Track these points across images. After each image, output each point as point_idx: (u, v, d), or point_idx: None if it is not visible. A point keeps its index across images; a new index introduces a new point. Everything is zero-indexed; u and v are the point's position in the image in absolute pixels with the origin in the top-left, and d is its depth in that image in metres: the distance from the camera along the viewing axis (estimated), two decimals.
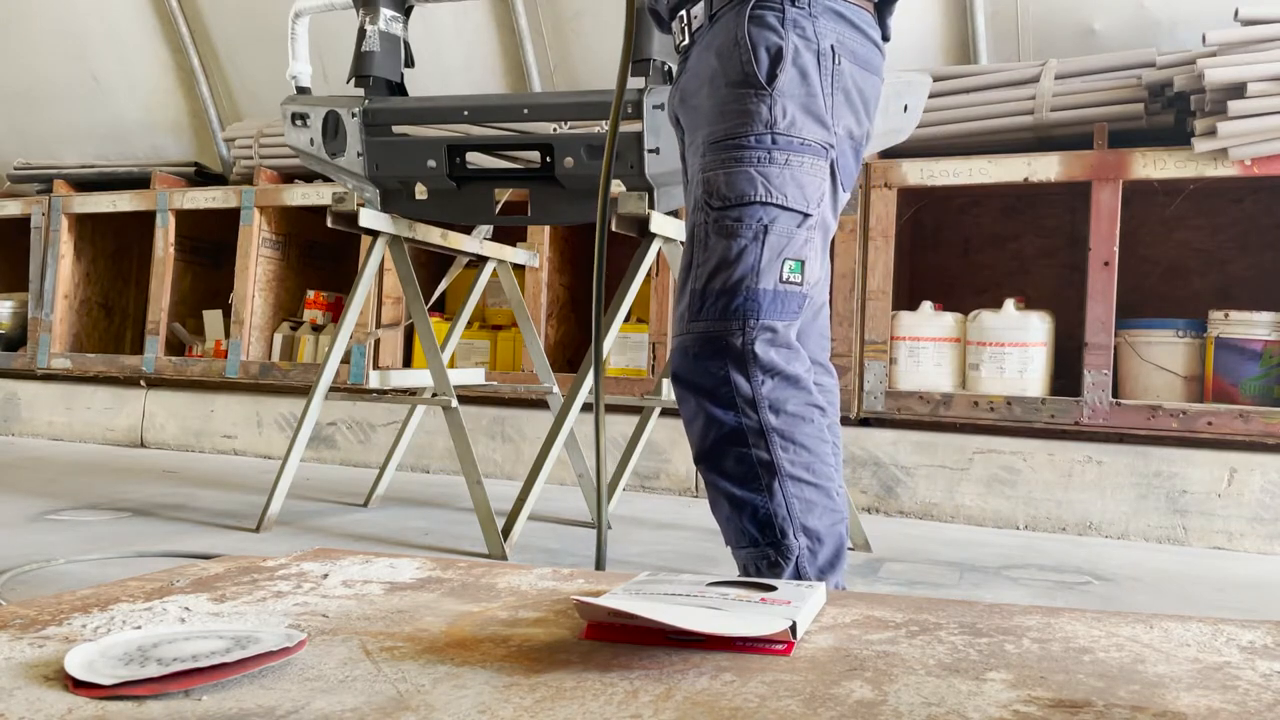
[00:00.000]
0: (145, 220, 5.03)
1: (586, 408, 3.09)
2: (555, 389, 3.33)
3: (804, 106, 1.44)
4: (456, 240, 3.15)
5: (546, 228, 4.14)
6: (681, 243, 2.65)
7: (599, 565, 1.91)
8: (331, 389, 2.97)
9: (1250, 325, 3.24)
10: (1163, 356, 3.40)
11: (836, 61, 1.45)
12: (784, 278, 1.43)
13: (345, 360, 4.34)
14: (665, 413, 3.70)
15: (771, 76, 1.44)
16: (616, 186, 2.67)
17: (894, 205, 3.51)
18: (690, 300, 1.49)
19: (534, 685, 0.83)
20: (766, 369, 1.43)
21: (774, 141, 1.43)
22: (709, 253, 1.46)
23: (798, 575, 1.45)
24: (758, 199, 1.42)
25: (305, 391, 4.24)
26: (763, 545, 1.46)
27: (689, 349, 1.48)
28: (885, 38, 1.61)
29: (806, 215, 1.44)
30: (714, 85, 1.50)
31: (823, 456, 1.48)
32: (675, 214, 2.68)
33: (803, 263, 1.44)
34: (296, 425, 2.91)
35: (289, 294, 4.91)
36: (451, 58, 4.60)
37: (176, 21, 5.07)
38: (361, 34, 2.81)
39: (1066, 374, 3.57)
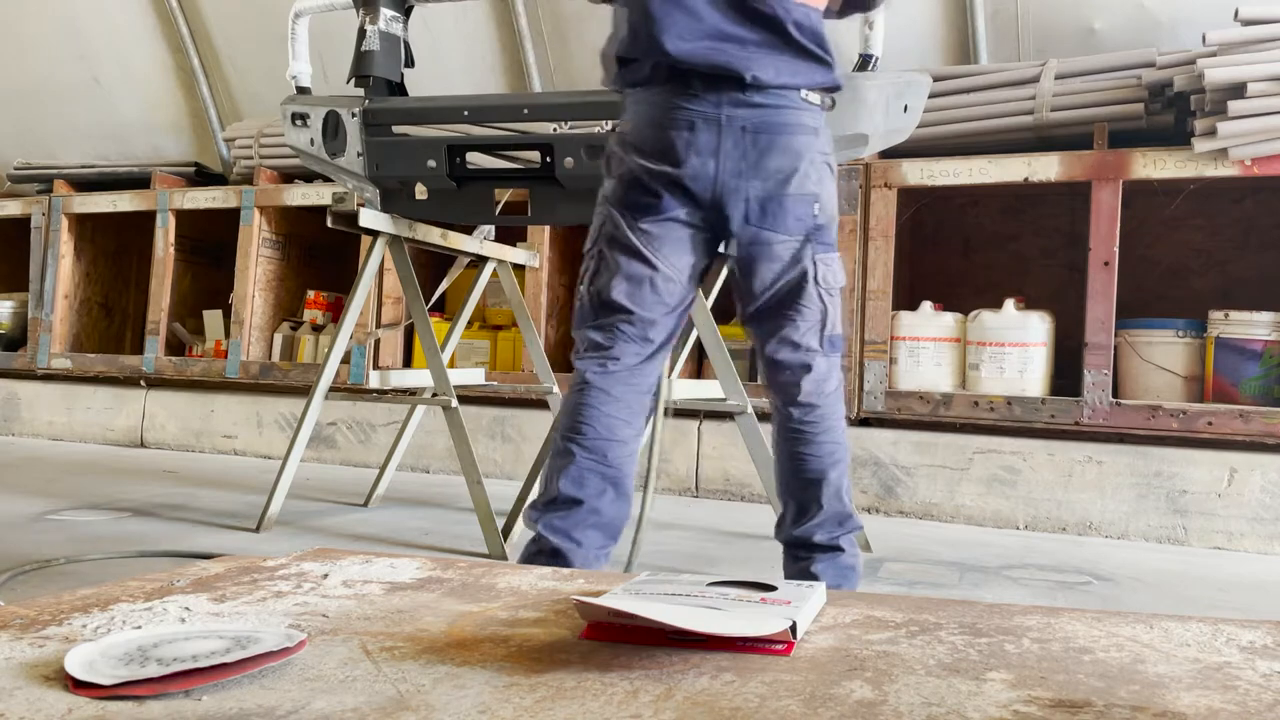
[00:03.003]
0: (145, 220, 5.03)
1: None
2: (555, 389, 3.33)
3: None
4: (457, 240, 3.15)
5: (546, 228, 4.13)
6: None
7: (629, 567, 2.05)
8: (331, 389, 2.97)
9: (1250, 325, 3.24)
10: (1163, 356, 3.40)
11: (616, 133, 1.94)
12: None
13: (345, 360, 4.34)
14: (664, 413, 3.69)
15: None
16: None
17: (894, 205, 3.51)
18: None
19: (534, 685, 0.83)
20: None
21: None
22: None
23: None
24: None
25: (305, 391, 4.24)
26: None
27: None
28: (673, 65, 1.84)
29: (588, 250, 1.92)
30: None
31: (569, 412, 1.86)
32: None
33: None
34: (296, 425, 2.91)
35: (289, 294, 4.91)
36: (451, 58, 4.60)
37: (177, 21, 5.07)
38: (361, 34, 2.81)
39: (1066, 374, 3.56)
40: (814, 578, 1.82)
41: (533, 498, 1.87)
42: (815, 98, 1.86)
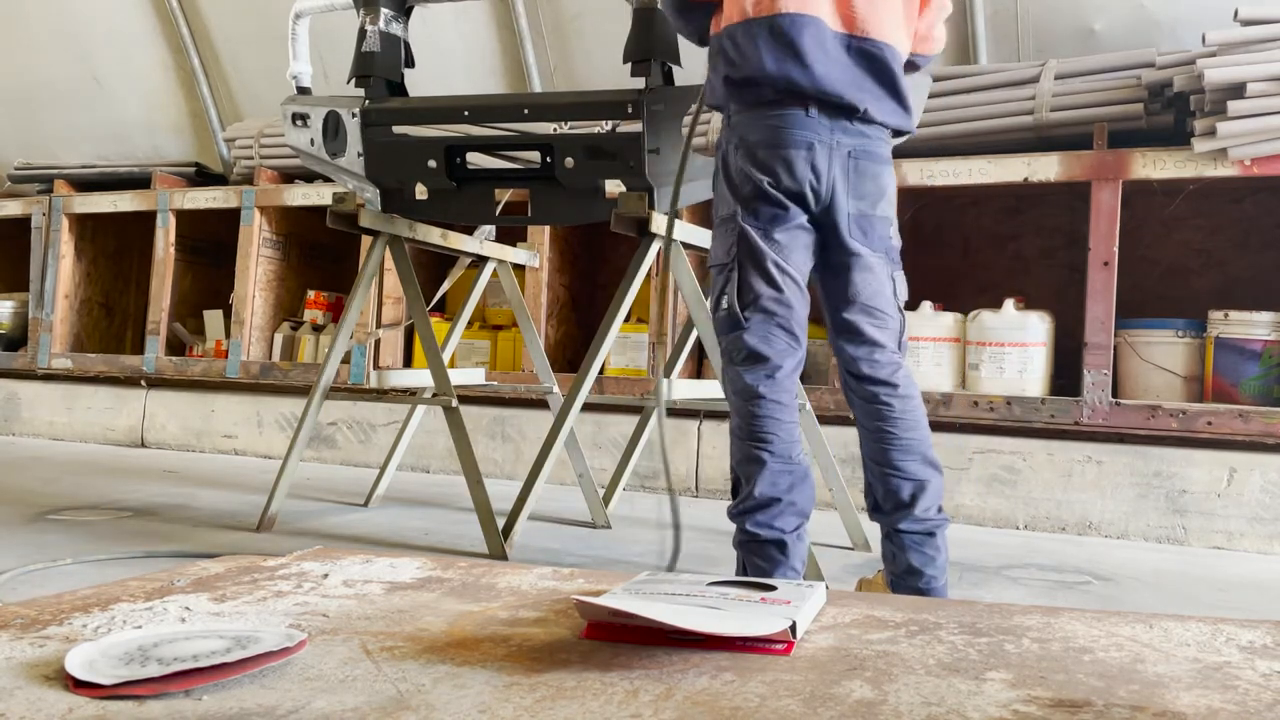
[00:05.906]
0: (146, 220, 5.03)
1: (587, 408, 3.09)
2: (555, 389, 3.33)
3: (719, 194, 2.13)
4: (457, 240, 3.15)
5: (547, 228, 4.13)
6: (683, 243, 2.66)
7: (670, 567, 2.15)
8: (332, 389, 2.97)
9: (1250, 325, 3.24)
10: (1162, 356, 3.40)
11: (736, 154, 2.07)
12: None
13: (345, 360, 4.34)
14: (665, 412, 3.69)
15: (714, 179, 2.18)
16: (616, 187, 2.67)
17: None
18: None
19: (534, 685, 0.83)
20: (724, 365, 2.12)
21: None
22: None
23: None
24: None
25: (305, 391, 4.24)
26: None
27: None
28: (807, 93, 2.03)
29: (724, 264, 2.08)
30: None
31: (750, 423, 2.04)
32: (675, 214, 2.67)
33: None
34: (297, 425, 2.91)
35: (289, 294, 4.91)
36: (451, 58, 4.60)
37: (177, 22, 5.07)
38: (362, 34, 2.81)
39: (1066, 374, 3.56)
40: (936, 549, 2.06)
41: (737, 500, 2.07)
42: (893, 137, 2.16)
